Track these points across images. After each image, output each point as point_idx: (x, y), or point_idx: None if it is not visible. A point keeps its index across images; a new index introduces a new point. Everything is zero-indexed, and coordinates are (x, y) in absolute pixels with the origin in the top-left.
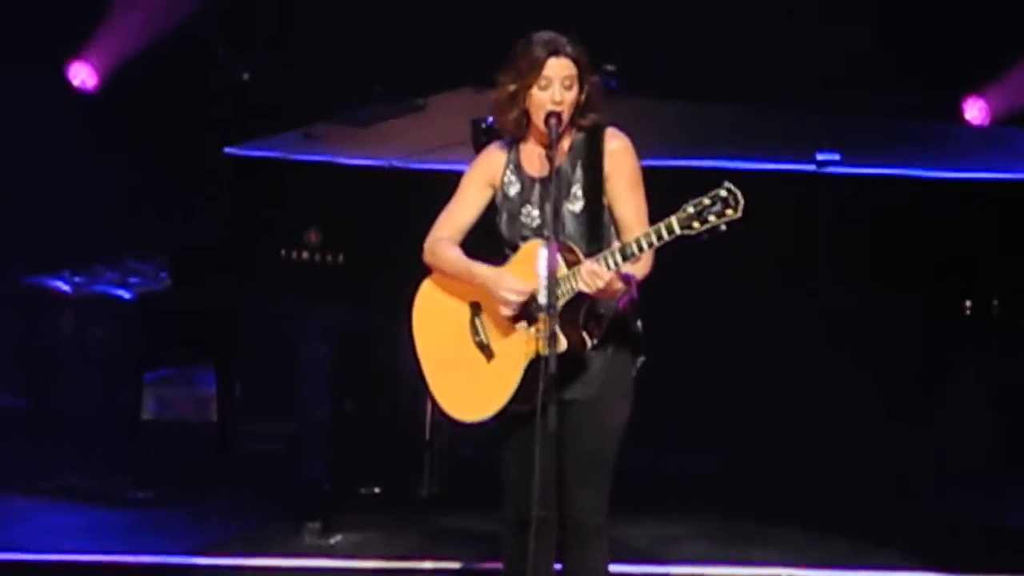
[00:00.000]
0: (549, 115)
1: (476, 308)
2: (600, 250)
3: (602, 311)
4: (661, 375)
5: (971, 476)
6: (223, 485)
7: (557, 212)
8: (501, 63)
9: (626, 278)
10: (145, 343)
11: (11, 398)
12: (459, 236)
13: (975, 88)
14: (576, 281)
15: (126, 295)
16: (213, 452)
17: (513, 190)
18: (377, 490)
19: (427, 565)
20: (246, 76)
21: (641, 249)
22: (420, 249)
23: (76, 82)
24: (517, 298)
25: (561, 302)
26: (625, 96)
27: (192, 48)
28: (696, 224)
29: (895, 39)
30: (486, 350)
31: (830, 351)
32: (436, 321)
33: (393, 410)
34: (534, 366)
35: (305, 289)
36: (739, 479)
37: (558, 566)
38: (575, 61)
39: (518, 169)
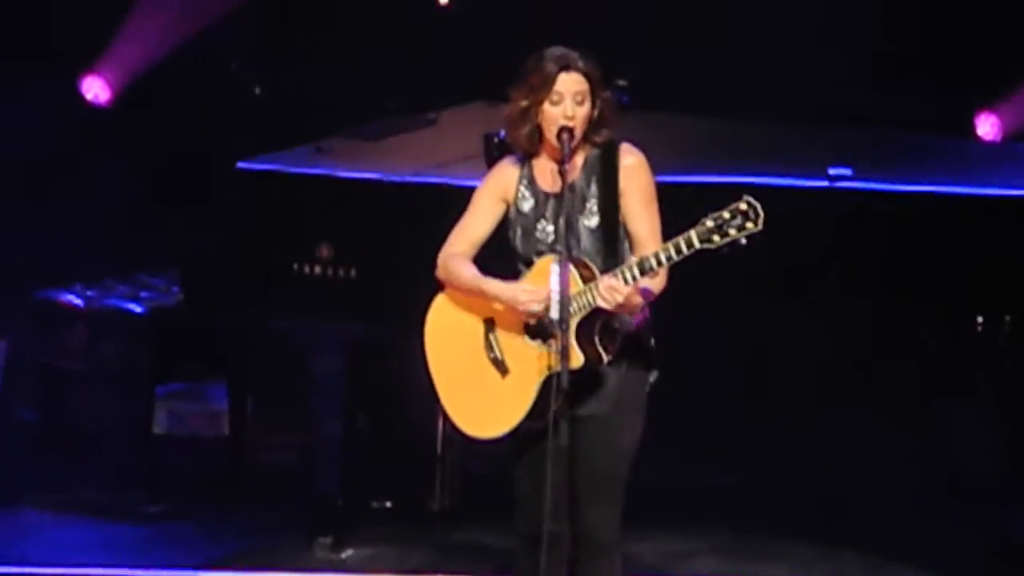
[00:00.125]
0: (561, 130)
1: (490, 324)
2: (615, 266)
3: (617, 327)
4: (673, 390)
5: (981, 490)
6: (235, 499)
7: (570, 227)
8: (513, 77)
9: (645, 293)
10: (157, 357)
11: (23, 412)
12: (472, 251)
13: (988, 104)
14: (594, 296)
15: (138, 309)
16: (225, 466)
17: (527, 205)
18: (389, 504)
19: None
20: (258, 90)
21: (660, 263)
22: (432, 263)
23: (89, 96)
24: (539, 305)
25: (577, 318)
26: (637, 111)
27: (205, 63)
28: (716, 238)
29: (908, 55)
30: (500, 366)
31: (841, 366)
32: (449, 337)
33: (405, 424)
34: (549, 383)
35: (317, 303)
36: (751, 494)
37: None
38: (587, 76)
39: (532, 184)
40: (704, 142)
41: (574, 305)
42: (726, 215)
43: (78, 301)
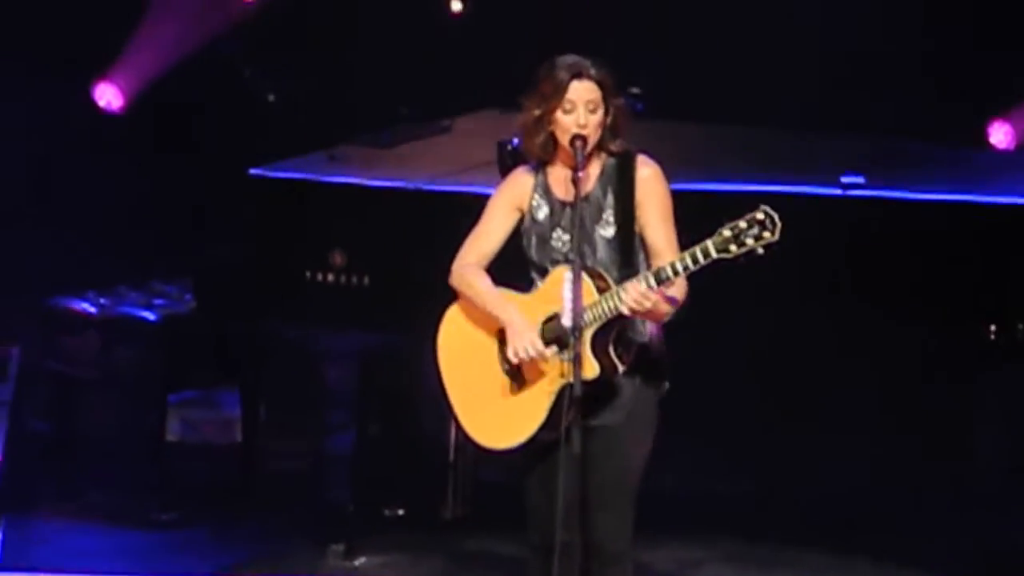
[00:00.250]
0: (575, 138)
1: (503, 334)
2: (630, 276)
3: (632, 338)
4: (685, 398)
5: (995, 498)
6: (247, 507)
7: (584, 234)
8: (526, 85)
9: (671, 300)
10: (170, 365)
11: (35, 419)
12: (486, 261)
13: (1001, 112)
14: (617, 302)
15: (151, 317)
16: (237, 474)
17: (542, 214)
18: (401, 512)
19: None
20: (271, 98)
21: (676, 273)
22: (445, 271)
23: (102, 103)
24: (527, 355)
25: (592, 328)
26: (650, 119)
27: (217, 69)
28: (733, 247)
29: (921, 63)
30: (515, 377)
31: (853, 374)
32: (463, 348)
33: (417, 432)
34: (563, 393)
35: (330, 311)
36: (763, 501)
37: None
38: (599, 83)
39: (547, 193)
40: (717, 150)
41: (589, 315)
42: (743, 225)
43: (91, 308)
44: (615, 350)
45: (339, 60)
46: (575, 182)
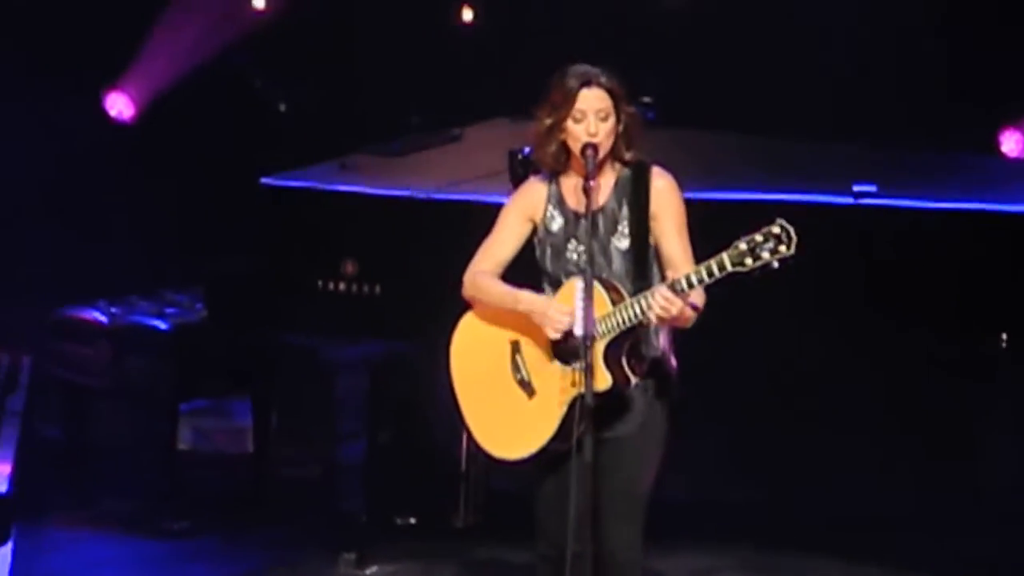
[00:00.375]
0: (586, 146)
1: (517, 346)
2: (644, 288)
3: (644, 351)
4: (698, 406)
5: (1009, 505)
6: (259, 516)
7: (599, 245)
8: (536, 93)
9: (693, 307)
10: (181, 374)
11: (47, 428)
12: (498, 271)
13: (1012, 120)
14: (637, 311)
15: (162, 326)
16: (249, 483)
17: (556, 225)
18: (413, 521)
19: None
20: (283, 107)
21: (691, 285)
22: (456, 280)
23: (113, 112)
24: (569, 319)
25: (606, 340)
26: (662, 127)
27: (229, 79)
28: (748, 261)
29: (933, 72)
30: (527, 388)
31: (864, 381)
32: (475, 358)
33: (429, 441)
34: (575, 404)
35: (341, 320)
36: (776, 509)
37: None
38: (609, 92)
39: (560, 204)
40: (728, 158)
41: (603, 327)
42: (759, 238)
43: (102, 318)
44: (628, 362)
45: (350, 69)
46: (586, 191)
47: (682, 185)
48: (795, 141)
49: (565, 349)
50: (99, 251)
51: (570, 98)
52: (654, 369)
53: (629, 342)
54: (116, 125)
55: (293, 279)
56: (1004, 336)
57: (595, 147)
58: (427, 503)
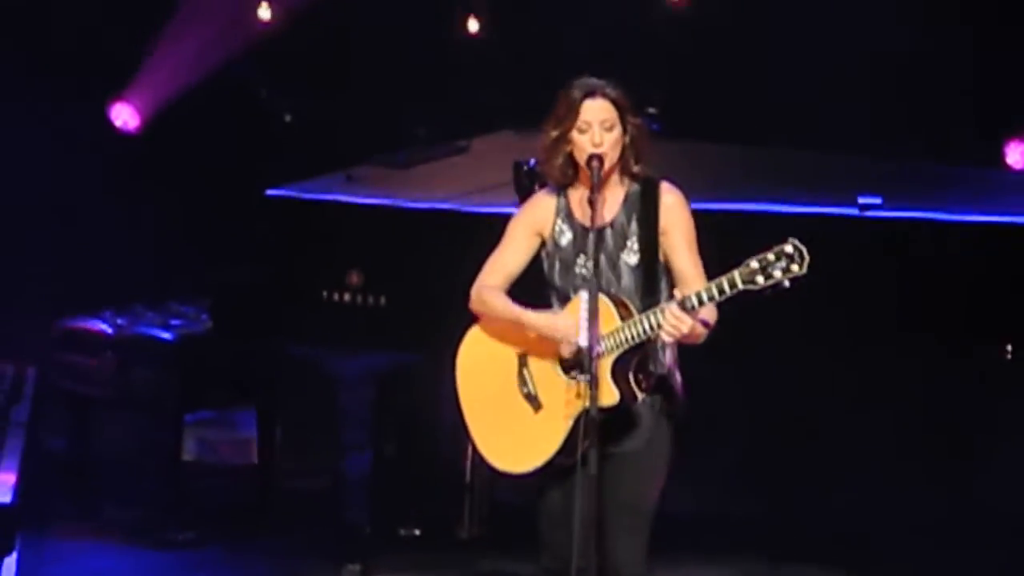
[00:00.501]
0: (591, 157)
1: (524, 359)
2: (653, 303)
3: (651, 367)
4: (704, 420)
5: (1013, 520)
6: (264, 527)
7: (609, 261)
8: (542, 105)
9: (704, 323)
10: (186, 385)
11: (52, 439)
12: (506, 285)
13: (1017, 133)
14: (647, 327)
15: (168, 337)
16: (254, 494)
17: (565, 239)
18: (417, 532)
19: None
20: (288, 118)
21: (701, 303)
22: (461, 291)
23: (118, 123)
24: (576, 334)
25: (614, 355)
26: (667, 139)
27: (234, 90)
28: (760, 279)
29: (938, 83)
30: (534, 401)
31: (869, 393)
32: (482, 371)
33: (433, 452)
34: (581, 419)
35: (346, 331)
36: (781, 523)
37: None
38: (614, 102)
39: (569, 218)
40: (733, 170)
41: (611, 342)
42: (771, 257)
43: (107, 328)
44: (635, 378)
45: (355, 80)
46: (591, 202)
47: (687, 196)
48: (800, 153)
49: (572, 363)
50: (104, 262)
51: (574, 109)
52: (660, 385)
53: (637, 358)
54: (121, 136)
55: (298, 290)
56: (1009, 347)
57: (600, 158)
58: (431, 515)
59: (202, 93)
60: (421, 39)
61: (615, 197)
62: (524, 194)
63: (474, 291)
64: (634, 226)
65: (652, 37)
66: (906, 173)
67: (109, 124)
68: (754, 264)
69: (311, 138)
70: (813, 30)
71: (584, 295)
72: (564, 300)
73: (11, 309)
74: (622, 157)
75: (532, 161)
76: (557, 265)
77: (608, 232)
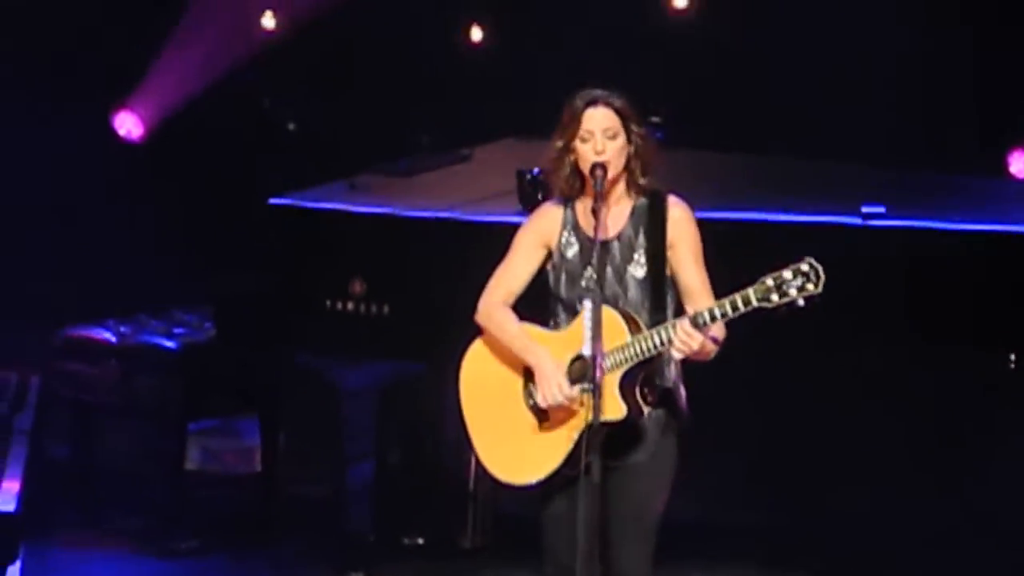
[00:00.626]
0: (595, 166)
1: (529, 372)
2: (660, 316)
3: (658, 381)
4: (709, 430)
5: (1019, 533)
6: (267, 535)
7: (611, 268)
8: (545, 113)
9: (714, 340)
10: (189, 393)
11: (55, 447)
12: (512, 298)
13: (1021, 142)
14: (657, 343)
15: (171, 345)
16: (257, 502)
17: (572, 251)
18: (420, 541)
19: None
20: (292, 126)
21: (714, 319)
22: (465, 300)
23: (122, 131)
24: (556, 401)
25: (622, 370)
26: (671, 148)
27: (238, 98)
28: (774, 297)
29: (941, 93)
30: (539, 413)
31: (874, 404)
32: (487, 382)
33: (437, 461)
34: (588, 431)
35: (350, 339)
36: (786, 533)
37: None
38: (617, 111)
39: (576, 229)
40: (737, 179)
41: (620, 356)
42: (787, 275)
43: (111, 337)
44: (641, 392)
45: (359, 89)
46: (595, 212)
47: (692, 209)
48: (803, 162)
49: (579, 376)
50: (108, 271)
51: (576, 118)
52: (665, 399)
53: (644, 373)
54: (126, 144)
55: (302, 299)
56: (1012, 357)
57: (604, 166)
58: (435, 524)
59: (206, 102)
60: (425, 48)
61: (622, 210)
62: (527, 203)
63: (482, 305)
64: (641, 239)
65: (655, 46)
66: (910, 182)
67: (113, 133)
68: (769, 282)
69: (314, 146)
70: (815, 38)
71: (589, 304)
72: (570, 311)
73: (15, 318)
74: (628, 168)
75: (536, 170)
76: (563, 277)
77: (615, 245)
